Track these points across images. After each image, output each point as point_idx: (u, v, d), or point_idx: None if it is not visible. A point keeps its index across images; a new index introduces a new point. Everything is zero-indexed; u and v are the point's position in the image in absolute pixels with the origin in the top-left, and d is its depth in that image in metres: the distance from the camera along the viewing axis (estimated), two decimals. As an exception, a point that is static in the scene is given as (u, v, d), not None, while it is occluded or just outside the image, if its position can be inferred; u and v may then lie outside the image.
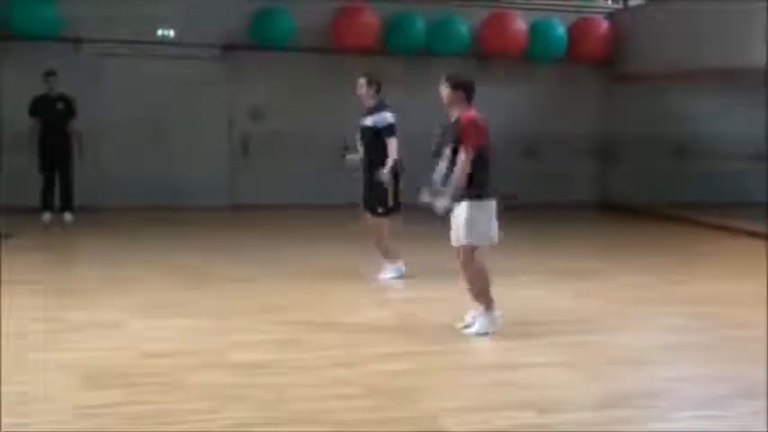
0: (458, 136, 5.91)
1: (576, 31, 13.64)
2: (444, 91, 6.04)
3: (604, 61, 13.98)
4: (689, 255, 10.15)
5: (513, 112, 13.57)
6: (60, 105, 10.93)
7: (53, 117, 10.85)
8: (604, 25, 13.89)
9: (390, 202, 7.63)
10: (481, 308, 6.05)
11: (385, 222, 7.73)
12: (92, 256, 9.08)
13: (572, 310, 6.98)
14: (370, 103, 7.66)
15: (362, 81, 7.66)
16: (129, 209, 11.96)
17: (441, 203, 5.95)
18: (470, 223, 5.89)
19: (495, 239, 6.01)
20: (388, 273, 7.84)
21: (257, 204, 12.57)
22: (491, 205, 5.99)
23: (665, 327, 6.67)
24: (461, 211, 5.93)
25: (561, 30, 13.50)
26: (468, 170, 5.86)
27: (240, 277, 7.91)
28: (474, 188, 5.91)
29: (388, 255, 7.85)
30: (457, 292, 6.35)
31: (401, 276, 7.84)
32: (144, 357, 5.31)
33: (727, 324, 6.67)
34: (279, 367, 5.22)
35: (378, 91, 7.65)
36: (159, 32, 12.56)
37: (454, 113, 6.01)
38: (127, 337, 5.80)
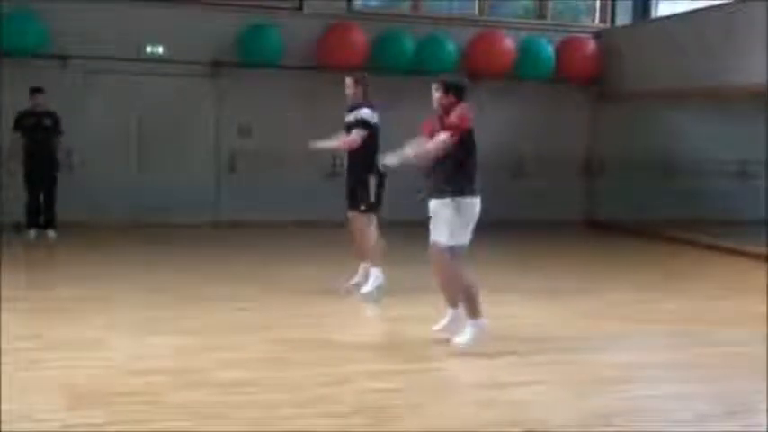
0: (444, 120, 5.86)
1: (564, 51, 13.72)
2: (436, 95, 6.04)
3: (592, 80, 14.05)
4: (674, 272, 10.17)
5: (500, 130, 13.60)
6: (47, 122, 10.90)
7: (39, 133, 10.81)
8: (591, 44, 13.97)
9: (372, 198, 7.62)
10: (462, 314, 5.99)
11: (369, 221, 7.70)
12: (75, 273, 9.00)
13: (558, 329, 6.97)
14: (353, 104, 7.69)
15: (349, 81, 7.70)
16: (114, 225, 11.91)
17: (392, 160, 5.92)
18: (450, 223, 5.83)
19: (467, 240, 5.94)
20: (369, 283, 7.72)
21: (244, 221, 12.53)
22: (475, 203, 5.92)
23: (651, 345, 6.69)
24: (442, 209, 5.86)
25: (549, 49, 13.57)
26: (439, 154, 5.77)
27: (225, 295, 7.86)
28: (459, 183, 5.85)
29: (373, 259, 7.76)
30: (442, 308, 6.31)
31: (380, 287, 7.70)
32: (128, 376, 5.27)
33: (711, 342, 6.67)
34: (264, 385, 5.19)
35: (365, 92, 7.68)
36: (148, 49, 12.55)
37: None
38: (110, 355, 5.75)
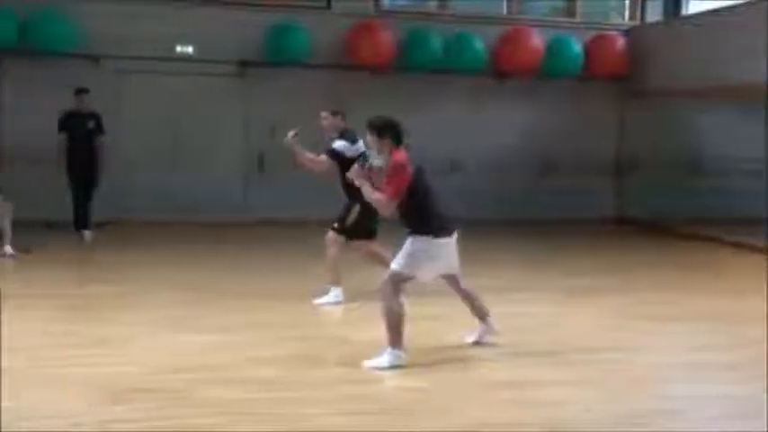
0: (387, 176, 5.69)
1: (593, 48, 13.62)
2: (371, 139, 5.74)
3: (621, 78, 13.94)
4: (707, 271, 10.07)
5: (529, 128, 13.56)
6: (91, 123, 10.97)
7: (83, 134, 10.88)
8: (621, 42, 13.86)
9: (347, 223, 7.60)
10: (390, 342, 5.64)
11: (336, 240, 7.63)
12: (105, 271, 9.09)
13: (588, 328, 6.92)
14: (334, 134, 7.70)
15: (325, 113, 7.72)
16: (146, 223, 12.00)
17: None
18: (412, 256, 5.66)
19: (430, 278, 5.87)
20: (325, 298, 7.60)
21: (273, 220, 12.59)
22: (441, 244, 5.73)
23: (684, 344, 6.61)
24: (407, 243, 5.73)
25: (578, 47, 13.48)
26: (380, 207, 5.70)
27: (252, 293, 7.90)
28: (416, 224, 5.72)
29: (331, 276, 7.67)
30: (463, 309, 6.28)
31: (337, 303, 7.54)
32: (156, 373, 5.31)
33: (748, 342, 6.57)
34: (292, 383, 5.21)
35: (343, 119, 7.69)
36: (177, 49, 12.64)
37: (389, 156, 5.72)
38: (143, 352, 5.80)
